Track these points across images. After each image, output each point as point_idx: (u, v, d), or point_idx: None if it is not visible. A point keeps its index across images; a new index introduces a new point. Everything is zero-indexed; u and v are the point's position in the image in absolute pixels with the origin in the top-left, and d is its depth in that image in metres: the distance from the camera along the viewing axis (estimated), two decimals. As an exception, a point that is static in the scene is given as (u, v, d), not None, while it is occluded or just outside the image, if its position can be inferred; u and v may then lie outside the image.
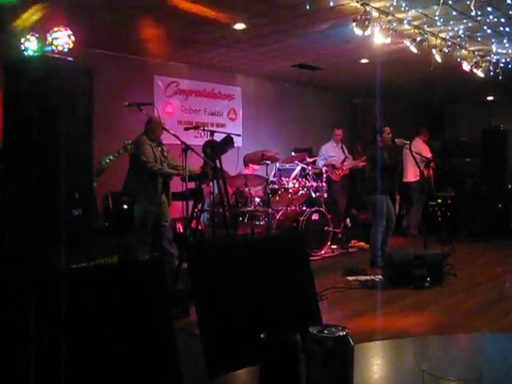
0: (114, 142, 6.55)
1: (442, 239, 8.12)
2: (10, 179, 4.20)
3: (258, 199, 7.16)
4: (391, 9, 5.37)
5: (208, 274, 1.56)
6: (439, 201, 9.47)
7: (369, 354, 1.40)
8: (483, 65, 7.28)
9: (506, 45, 6.75)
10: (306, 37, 6.51)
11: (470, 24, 5.90)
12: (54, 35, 4.51)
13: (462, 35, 6.31)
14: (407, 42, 6.13)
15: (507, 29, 6.03)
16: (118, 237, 5.83)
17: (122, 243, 5.67)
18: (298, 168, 7.74)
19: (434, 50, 6.43)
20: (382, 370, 1.32)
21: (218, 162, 4.97)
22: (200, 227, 6.22)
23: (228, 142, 5.19)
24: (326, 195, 7.79)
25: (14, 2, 4.68)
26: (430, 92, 10.72)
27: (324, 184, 7.76)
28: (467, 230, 8.89)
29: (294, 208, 7.51)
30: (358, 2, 5.18)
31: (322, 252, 7.41)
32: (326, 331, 0.98)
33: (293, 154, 8.70)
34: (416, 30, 6.01)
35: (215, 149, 4.99)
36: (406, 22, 5.68)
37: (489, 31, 6.11)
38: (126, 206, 6.50)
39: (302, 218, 7.15)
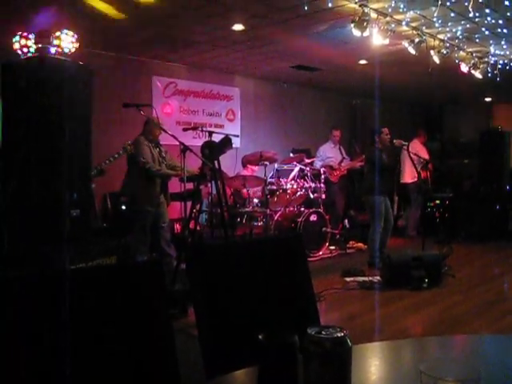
0: (112, 142, 6.56)
1: (440, 240, 8.12)
2: (9, 179, 4.20)
3: (256, 200, 7.16)
4: (389, 10, 5.38)
5: (206, 274, 1.56)
6: (437, 202, 9.48)
7: (367, 354, 1.41)
8: (481, 66, 7.30)
9: (504, 46, 6.76)
10: (304, 38, 6.52)
11: (468, 25, 5.91)
12: (58, 37, 4.52)
13: (460, 36, 6.32)
14: (405, 44, 6.13)
15: (505, 30, 6.04)
16: (116, 237, 5.82)
17: (121, 244, 5.66)
18: (297, 169, 7.74)
19: (432, 52, 6.44)
20: (380, 370, 1.32)
21: (216, 162, 4.97)
22: (198, 228, 6.22)
23: (226, 142, 5.20)
24: (324, 196, 7.79)
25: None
26: (429, 93, 10.74)
27: (322, 185, 7.76)
28: (465, 232, 8.90)
29: (292, 209, 7.51)
30: (356, 3, 5.19)
31: (320, 253, 7.42)
32: (323, 332, 0.98)
33: (291, 154, 8.71)
34: (414, 32, 6.02)
35: (213, 149, 4.99)
36: (404, 23, 5.69)
37: (487, 33, 6.12)
38: (124, 207, 6.50)
39: (300, 219, 7.16)
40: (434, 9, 5.27)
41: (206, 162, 4.88)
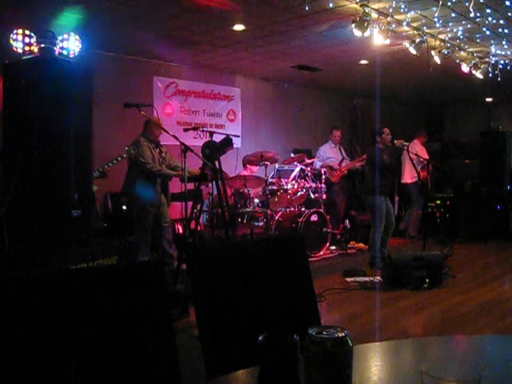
0: (113, 142, 6.57)
1: (441, 241, 8.14)
2: (9, 180, 4.20)
3: (257, 200, 7.16)
4: (390, 10, 5.37)
5: (207, 274, 1.56)
6: (438, 202, 9.48)
7: (368, 355, 1.40)
8: (482, 66, 7.29)
9: (505, 46, 6.76)
10: (305, 38, 6.52)
11: (468, 25, 5.91)
12: (62, 39, 4.53)
13: (461, 37, 6.32)
14: (406, 44, 6.13)
15: (506, 30, 6.04)
16: (117, 238, 5.83)
17: (122, 244, 5.67)
18: (297, 169, 7.74)
19: (433, 52, 6.43)
20: (381, 371, 1.32)
21: (217, 162, 4.97)
22: (199, 228, 6.22)
23: (227, 142, 5.20)
24: (324, 196, 7.79)
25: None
26: (429, 93, 10.73)
27: (323, 185, 7.76)
28: (466, 232, 8.90)
29: (292, 209, 7.51)
30: (357, 3, 5.19)
31: (321, 253, 7.42)
32: (324, 332, 0.98)
33: (292, 155, 8.71)
34: (415, 32, 6.02)
35: (214, 150, 4.99)
36: (405, 23, 5.69)
37: (488, 33, 6.11)
38: (125, 207, 6.51)
39: (300, 219, 7.16)
40: (434, 9, 5.26)
41: (207, 162, 4.88)
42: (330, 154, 8.56)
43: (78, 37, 4.66)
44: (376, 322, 4.48)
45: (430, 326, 4.43)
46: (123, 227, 5.99)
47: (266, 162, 7.06)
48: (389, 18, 5.55)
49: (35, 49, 4.49)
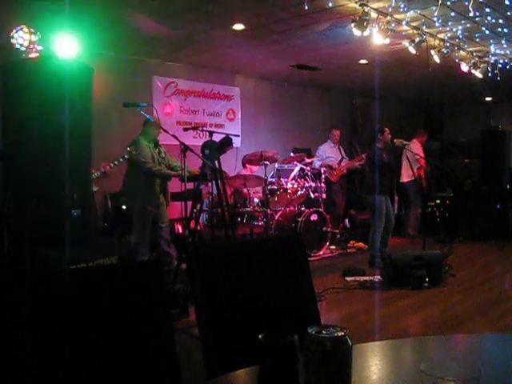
0: (113, 142, 6.56)
1: (441, 240, 8.14)
2: (9, 179, 4.20)
3: (256, 200, 7.16)
4: (390, 9, 5.37)
5: (207, 274, 1.56)
6: (438, 201, 9.49)
7: (367, 354, 1.41)
8: (481, 66, 7.29)
9: (504, 45, 6.76)
10: (304, 37, 6.51)
11: (468, 25, 5.91)
12: (58, 39, 4.51)
13: (461, 36, 6.31)
14: (406, 43, 6.13)
15: (505, 30, 6.04)
16: (116, 237, 5.83)
17: (121, 244, 5.67)
18: (297, 168, 7.74)
19: (432, 51, 6.43)
20: (381, 370, 1.32)
21: (216, 162, 4.97)
22: (199, 228, 6.22)
23: (227, 142, 5.20)
24: (324, 196, 7.79)
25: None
26: (429, 93, 10.73)
27: (323, 184, 7.76)
28: (466, 231, 8.91)
29: (292, 208, 7.51)
30: (356, 2, 5.18)
31: (321, 252, 7.42)
32: (324, 332, 0.98)
33: (292, 154, 8.71)
34: (415, 31, 6.02)
35: (214, 149, 4.99)
36: (404, 22, 5.69)
37: (487, 32, 6.11)
38: (124, 207, 6.51)
39: (300, 219, 7.16)
40: (434, 8, 5.26)
41: (207, 161, 4.88)
42: (329, 154, 8.56)
43: (74, 36, 4.63)
44: (376, 322, 4.48)
45: (429, 325, 4.43)
46: (123, 227, 5.99)
47: (266, 162, 7.07)
48: (388, 18, 5.55)
49: (39, 47, 4.46)
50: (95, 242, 5.04)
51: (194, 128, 5.94)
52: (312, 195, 7.67)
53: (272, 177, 7.52)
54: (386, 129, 6.61)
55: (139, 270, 1.45)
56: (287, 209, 7.43)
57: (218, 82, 8.82)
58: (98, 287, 1.34)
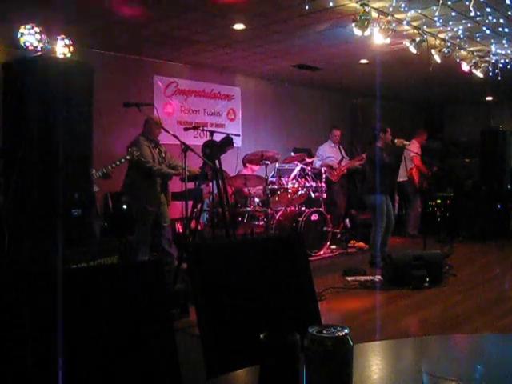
0: (113, 142, 6.57)
1: (442, 240, 8.13)
2: (9, 179, 4.20)
3: (257, 199, 7.16)
4: (390, 9, 5.37)
5: (207, 274, 1.56)
6: (438, 201, 9.48)
7: (368, 354, 1.41)
8: (482, 65, 7.29)
9: (505, 45, 6.76)
10: (305, 37, 6.51)
11: (469, 24, 5.91)
12: (58, 38, 4.51)
13: (461, 36, 6.31)
14: (406, 43, 6.13)
15: (506, 29, 6.04)
16: (117, 237, 5.83)
17: (122, 243, 5.67)
18: (298, 168, 7.74)
19: (433, 51, 6.43)
20: (382, 370, 1.32)
21: (217, 162, 4.98)
22: (199, 227, 6.22)
23: (227, 142, 5.20)
24: (325, 195, 7.79)
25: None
26: (429, 92, 10.73)
27: (323, 184, 7.76)
28: (466, 231, 8.89)
29: (293, 208, 7.51)
30: (357, 2, 5.18)
31: (322, 252, 7.42)
32: (325, 331, 0.98)
33: (292, 154, 8.71)
34: (415, 31, 6.02)
35: (214, 149, 4.99)
36: (405, 22, 5.69)
37: (488, 32, 6.11)
38: (125, 207, 6.51)
39: (301, 219, 7.15)
40: (434, 8, 5.26)
41: (207, 161, 4.88)
42: (329, 154, 8.56)
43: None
44: (376, 321, 4.48)
45: (430, 325, 4.43)
46: (123, 227, 5.99)
47: (267, 161, 7.06)
48: (389, 17, 5.54)
49: (48, 46, 4.44)
50: (95, 241, 5.04)
51: (195, 128, 5.94)
52: (312, 195, 7.66)
53: (272, 176, 7.52)
54: (388, 129, 6.61)
55: (140, 270, 1.45)
56: (288, 208, 7.42)
57: (219, 82, 8.82)
58: (98, 287, 1.34)
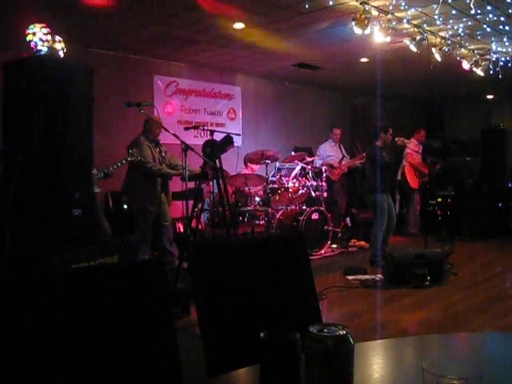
0: (114, 141, 6.57)
1: (443, 238, 8.12)
2: (10, 179, 4.20)
3: (257, 199, 7.16)
4: (391, 8, 5.36)
5: (208, 273, 1.56)
6: (439, 200, 9.48)
7: (369, 352, 1.40)
8: (483, 63, 7.28)
9: (506, 43, 6.74)
10: (305, 36, 6.51)
11: (469, 23, 5.90)
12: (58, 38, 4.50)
13: (462, 34, 6.30)
14: (407, 41, 6.12)
15: (507, 27, 6.03)
16: (118, 237, 5.83)
17: (123, 243, 5.67)
18: (298, 167, 7.74)
19: (433, 49, 6.42)
20: (383, 368, 1.32)
21: (217, 161, 4.97)
22: (200, 227, 6.22)
23: (228, 141, 5.19)
24: (325, 194, 7.79)
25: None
26: (430, 91, 10.72)
27: (324, 183, 7.76)
28: (467, 229, 8.89)
29: (293, 207, 7.51)
30: (357, 0, 5.18)
31: (322, 251, 7.41)
32: (326, 330, 0.98)
33: (293, 153, 8.70)
34: (416, 29, 6.01)
35: (215, 148, 4.99)
36: (405, 20, 5.68)
37: (488, 30, 6.10)
38: (125, 206, 6.51)
39: (301, 218, 7.15)
40: (435, 6, 5.26)
41: (208, 160, 4.88)
42: (330, 153, 8.56)
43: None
44: (377, 320, 4.48)
45: (431, 324, 4.42)
46: (124, 226, 6.00)
47: (267, 161, 7.06)
48: (389, 16, 5.54)
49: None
50: (96, 241, 5.04)
51: (195, 127, 5.94)
52: (313, 194, 7.66)
53: (273, 176, 7.52)
54: (390, 129, 6.61)
55: (140, 269, 1.45)
56: (288, 208, 7.42)
57: (219, 81, 8.81)
58: (98, 287, 1.33)
